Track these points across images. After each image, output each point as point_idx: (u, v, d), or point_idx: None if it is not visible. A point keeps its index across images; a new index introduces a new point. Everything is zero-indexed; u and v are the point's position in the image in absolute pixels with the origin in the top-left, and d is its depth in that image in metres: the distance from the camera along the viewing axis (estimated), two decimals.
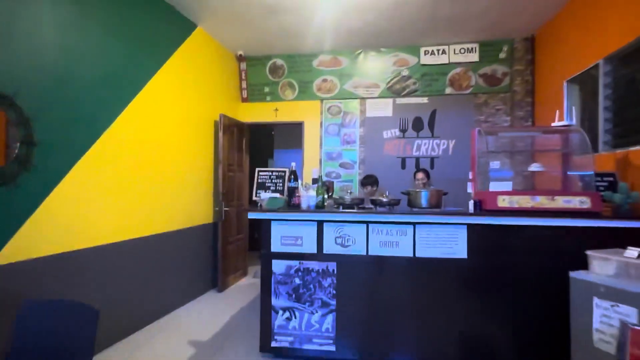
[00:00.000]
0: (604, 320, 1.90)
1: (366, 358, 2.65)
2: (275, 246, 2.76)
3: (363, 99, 4.98)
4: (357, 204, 2.75)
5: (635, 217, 2.35)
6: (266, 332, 2.77)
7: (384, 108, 4.92)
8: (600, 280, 1.93)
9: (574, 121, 3.54)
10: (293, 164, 2.94)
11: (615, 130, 2.99)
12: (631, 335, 1.55)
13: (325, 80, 5.03)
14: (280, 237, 2.76)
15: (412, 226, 2.61)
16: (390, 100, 4.90)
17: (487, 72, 4.64)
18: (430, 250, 2.58)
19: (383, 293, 2.64)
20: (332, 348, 2.69)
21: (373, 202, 2.80)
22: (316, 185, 2.86)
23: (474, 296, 2.54)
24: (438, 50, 4.73)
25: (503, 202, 2.48)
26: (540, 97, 4.37)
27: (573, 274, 2.09)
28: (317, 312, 2.72)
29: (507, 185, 2.54)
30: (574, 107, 3.50)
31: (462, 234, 2.56)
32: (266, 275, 2.77)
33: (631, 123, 2.80)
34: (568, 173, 2.79)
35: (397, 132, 4.89)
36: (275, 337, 2.76)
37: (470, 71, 4.68)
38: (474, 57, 4.64)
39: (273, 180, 3.71)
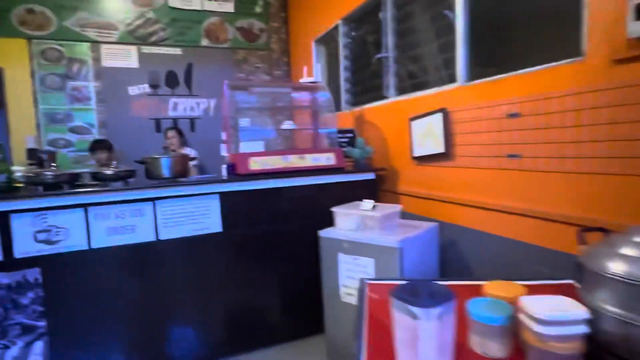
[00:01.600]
0: (349, 274, 1.92)
1: None
2: None
3: (95, 42, 3.85)
4: (67, 180, 1.95)
5: (371, 170, 2.54)
6: None
7: (126, 57, 3.96)
8: (343, 235, 1.93)
9: (322, 81, 3.67)
10: None
11: (354, 89, 3.21)
12: (368, 289, 1.50)
13: (31, 12, 3.61)
14: None
15: (151, 203, 2.05)
16: (133, 48, 3.98)
17: (244, 25, 4.34)
18: (178, 229, 2.11)
19: (120, 293, 2.03)
20: None
21: (94, 176, 2.07)
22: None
23: (236, 270, 2.26)
24: None
25: (255, 164, 2.23)
26: (295, 56, 4.42)
27: (321, 233, 2.04)
28: (14, 343, 1.86)
29: (259, 146, 2.30)
30: (321, 67, 3.62)
31: (215, 205, 2.19)
32: None
33: (365, 83, 3.03)
34: (318, 131, 2.81)
35: (146, 87, 4.05)
36: None
37: (226, 22, 4.27)
38: (229, 6, 4.24)
39: None
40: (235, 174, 2.25)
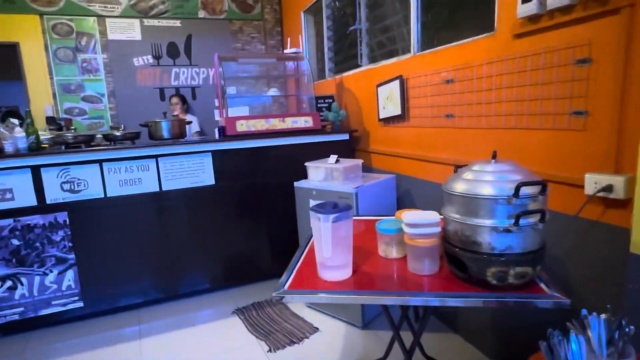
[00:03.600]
0: None
1: (116, 303, 2.52)
2: None
3: (101, 16, 4.16)
4: (83, 141, 2.35)
5: (344, 131, 2.88)
6: None
7: (130, 30, 4.27)
8: (313, 185, 2.32)
9: (306, 51, 3.95)
10: None
11: (335, 58, 3.50)
12: None
13: None
14: None
15: (154, 160, 2.45)
16: (136, 21, 4.28)
17: None
18: (177, 181, 2.52)
19: (133, 233, 2.47)
20: (80, 304, 2.42)
21: (106, 137, 2.47)
22: (26, 123, 2.30)
23: (228, 217, 2.69)
24: None
25: (242, 126, 2.60)
26: (287, 26, 4.66)
27: (297, 184, 2.43)
28: (51, 271, 2.33)
29: (244, 111, 2.65)
30: (308, 37, 3.88)
31: (208, 162, 2.58)
32: None
33: (344, 52, 3.31)
34: (300, 97, 3.14)
35: (150, 59, 4.38)
36: None
37: None
38: None
39: None
40: (225, 135, 2.62)
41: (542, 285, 1.09)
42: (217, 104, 2.88)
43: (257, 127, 2.62)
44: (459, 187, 1.12)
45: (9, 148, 2.22)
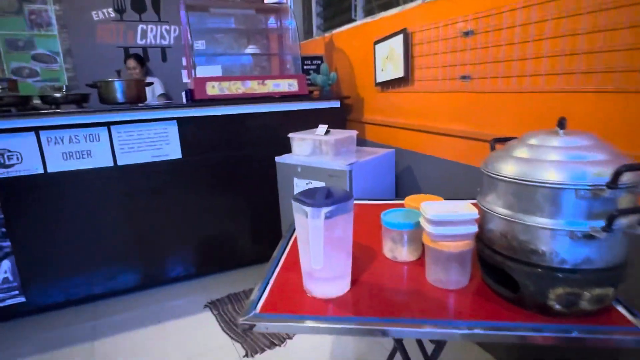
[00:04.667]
0: None
1: (66, 297, 2.15)
2: None
3: None
4: (14, 103, 1.90)
5: (335, 98, 2.49)
6: None
7: None
8: (298, 161, 1.94)
9: (291, 4, 3.46)
10: None
11: (324, 13, 3.04)
12: None
13: None
14: None
15: (105, 128, 2.03)
16: None
17: None
18: (136, 154, 2.11)
19: (83, 215, 2.07)
20: (21, 299, 2.04)
21: (44, 100, 2.01)
22: None
23: (198, 197, 2.30)
24: None
25: (213, 89, 2.17)
26: None
27: (278, 159, 2.05)
28: None
29: (216, 70, 2.22)
30: None
31: (174, 131, 2.17)
32: None
33: (335, 5, 2.86)
34: (284, 57, 2.70)
35: (111, 12, 3.82)
36: None
37: None
38: None
39: None
40: (193, 99, 2.20)
41: (622, 310, 0.77)
42: (184, 63, 2.43)
43: (231, 90, 2.20)
44: (510, 169, 0.76)
45: None
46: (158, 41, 4.01)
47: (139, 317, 2.08)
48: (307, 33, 3.32)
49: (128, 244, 2.20)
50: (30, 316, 2.10)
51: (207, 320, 2.05)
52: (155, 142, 2.14)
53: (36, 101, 2.06)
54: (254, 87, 2.25)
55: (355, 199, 1.50)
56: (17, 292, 2.02)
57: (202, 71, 2.18)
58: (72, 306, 2.18)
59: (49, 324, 2.05)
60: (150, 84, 2.33)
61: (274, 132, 2.36)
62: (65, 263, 2.09)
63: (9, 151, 1.88)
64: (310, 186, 1.90)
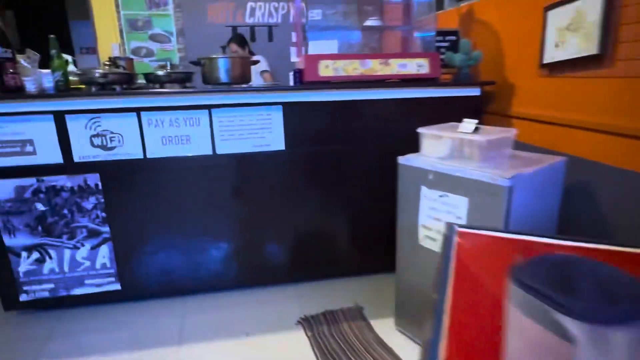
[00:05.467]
0: (432, 214, 1.51)
1: (157, 288, 2.03)
2: None
3: None
4: (117, 81, 1.76)
5: (475, 83, 1.94)
6: (9, 285, 1.87)
7: None
8: (429, 165, 1.48)
9: None
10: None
11: None
12: (458, 237, 1.10)
13: None
14: None
15: (206, 111, 1.80)
16: None
17: None
18: (235, 143, 1.86)
19: (177, 206, 1.91)
20: (117, 286, 1.97)
21: (147, 78, 1.86)
22: (54, 55, 1.75)
23: (300, 194, 2.00)
24: None
25: (326, 69, 1.81)
26: None
27: (401, 160, 1.61)
28: (83, 245, 1.88)
29: (332, 46, 1.85)
30: None
31: (278, 118, 1.87)
32: None
33: None
34: (411, 32, 2.22)
35: None
36: (25, 288, 1.89)
37: None
38: None
39: None
40: (302, 82, 1.87)
41: None
42: (294, 38, 2.11)
43: (347, 71, 1.81)
44: None
45: (30, 87, 1.71)
46: (266, 19, 3.81)
47: (227, 323, 1.87)
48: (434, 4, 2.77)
49: (222, 240, 1.99)
50: (125, 303, 2.03)
51: (300, 342, 1.74)
52: (257, 130, 1.86)
53: (140, 80, 1.92)
54: (374, 67, 1.83)
55: (519, 234, 1.01)
56: (113, 279, 1.95)
57: (314, 47, 1.83)
58: (163, 298, 2.06)
59: (140, 315, 1.94)
60: (257, 62, 2.05)
61: (393, 124, 1.93)
62: (159, 254, 1.95)
63: (112, 132, 1.75)
64: (446, 200, 1.43)
